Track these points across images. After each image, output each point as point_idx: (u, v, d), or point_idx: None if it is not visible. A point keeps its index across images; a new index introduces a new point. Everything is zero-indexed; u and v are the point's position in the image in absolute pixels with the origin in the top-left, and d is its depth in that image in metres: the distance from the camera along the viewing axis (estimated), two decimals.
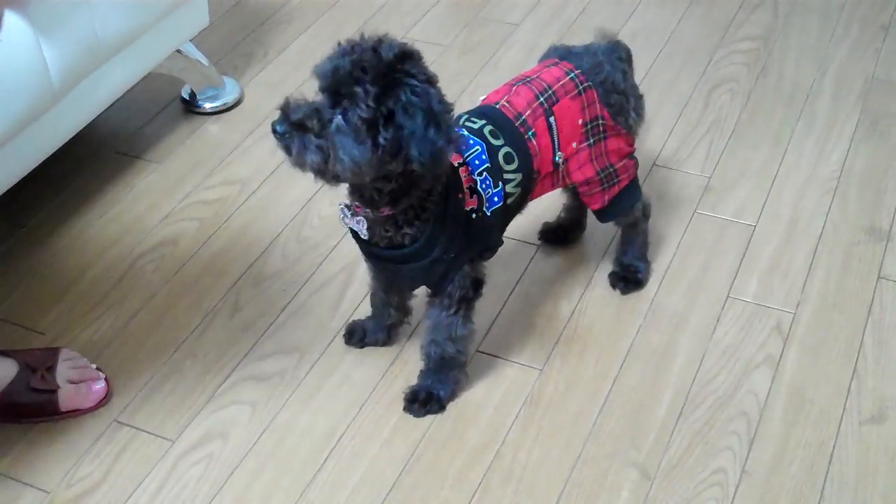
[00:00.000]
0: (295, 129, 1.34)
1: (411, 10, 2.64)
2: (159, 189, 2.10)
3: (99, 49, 1.87)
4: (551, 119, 1.60)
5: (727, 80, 2.40)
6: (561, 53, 1.72)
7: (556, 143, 1.61)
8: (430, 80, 1.36)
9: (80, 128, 1.96)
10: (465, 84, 2.39)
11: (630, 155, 1.73)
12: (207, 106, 2.29)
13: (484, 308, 1.82)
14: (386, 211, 1.45)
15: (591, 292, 1.87)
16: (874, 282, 1.89)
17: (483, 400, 1.69)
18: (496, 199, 1.54)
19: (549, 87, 1.62)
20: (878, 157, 2.17)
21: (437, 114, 1.33)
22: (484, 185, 1.52)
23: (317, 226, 2.01)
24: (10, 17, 1.67)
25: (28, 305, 1.85)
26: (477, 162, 1.52)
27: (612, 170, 1.69)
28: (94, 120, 2.00)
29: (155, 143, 2.22)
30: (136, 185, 2.11)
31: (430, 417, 1.66)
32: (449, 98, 1.37)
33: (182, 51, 2.23)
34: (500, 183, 1.54)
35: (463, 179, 1.50)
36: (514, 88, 1.62)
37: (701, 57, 2.48)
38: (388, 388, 1.71)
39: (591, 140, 1.65)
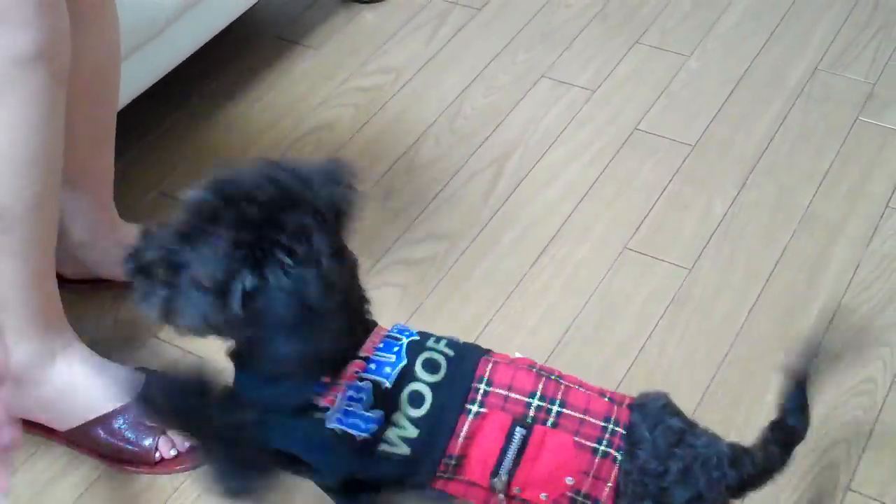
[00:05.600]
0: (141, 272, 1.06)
1: None
2: (316, 74, 2.13)
3: None
4: (519, 432, 1.06)
5: None
6: (648, 402, 1.10)
7: (504, 462, 1.06)
8: (316, 259, 1.01)
9: (242, 11, 1.99)
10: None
11: None
12: None
13: (636, 204, 1.82)
14: None
15: (746, 194, 1.85)
16: None
17: (631, 296, 1.70)
18: (360, 424, 1.05)
19: (562, 407, 1.07)
20: None
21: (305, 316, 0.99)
22: (354, 395, 1.06)
23: (470, 116, 2.02)
24: None
25: (189, 183, 1.90)
26: (373, 366, 1.07)
27: None
28: (255, 4, 2.03)
29: (313, 29, 2.24)
30: (293, 70, 2.14)
31: (576, 309, 1.67)
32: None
33: None
34: (381, 416, 1.06)
35: (349, 368, 1.07)
36: (530, 369, 1.11)
37: None
38: (533, 279, 1.73)
39: None
